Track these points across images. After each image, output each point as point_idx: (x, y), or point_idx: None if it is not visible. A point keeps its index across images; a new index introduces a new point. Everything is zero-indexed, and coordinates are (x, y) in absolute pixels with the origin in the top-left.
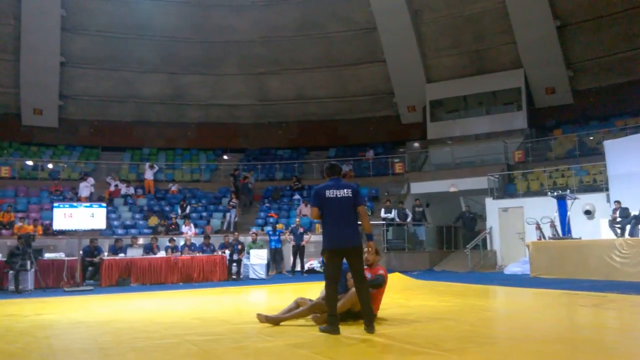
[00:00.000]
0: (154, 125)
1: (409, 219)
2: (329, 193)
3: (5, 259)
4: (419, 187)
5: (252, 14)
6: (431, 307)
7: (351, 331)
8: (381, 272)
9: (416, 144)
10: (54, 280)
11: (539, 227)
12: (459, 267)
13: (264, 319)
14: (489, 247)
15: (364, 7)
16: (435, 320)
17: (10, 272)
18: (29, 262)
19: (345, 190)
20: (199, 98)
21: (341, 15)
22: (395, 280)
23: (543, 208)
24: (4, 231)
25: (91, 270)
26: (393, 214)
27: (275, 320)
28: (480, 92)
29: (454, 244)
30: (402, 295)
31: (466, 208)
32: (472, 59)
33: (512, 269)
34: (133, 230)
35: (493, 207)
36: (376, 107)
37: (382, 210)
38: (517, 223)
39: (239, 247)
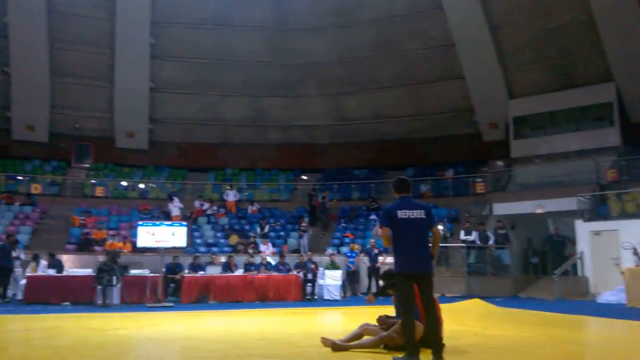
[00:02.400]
0: (237, 146)
1: (490, 242)
2: (401, 213)
3: (95, 274)
4: (502, 208)
5: (329, 35)
6: (509, 338)
7: None
8: None
9: (499, 163)
10: (137, 296)
11: (636, 253)
12: (546, 295)
13: (330, 343)
14: (579, 273)
15: (441, 24)
16: (511, 352)
17: (99, 287)
18: (115, 278)
19: (418, 211)
20: (279, 119)
21: (418, 32)
22: (474, 307)
23: None
24: (96, 247)
25: (173, 286)
26: (473, 236)
27: (340, 347)
28: (568, 108)
29: (542, 269)
30: (479, 323)
31: (554, 231)
32: (557, 73)
33: (606, 297)
34: (214, 249)
35: (584, 230)
36: (455, 125)
37: (462, 232)
38: (612, 247)
39: (312, 267)
